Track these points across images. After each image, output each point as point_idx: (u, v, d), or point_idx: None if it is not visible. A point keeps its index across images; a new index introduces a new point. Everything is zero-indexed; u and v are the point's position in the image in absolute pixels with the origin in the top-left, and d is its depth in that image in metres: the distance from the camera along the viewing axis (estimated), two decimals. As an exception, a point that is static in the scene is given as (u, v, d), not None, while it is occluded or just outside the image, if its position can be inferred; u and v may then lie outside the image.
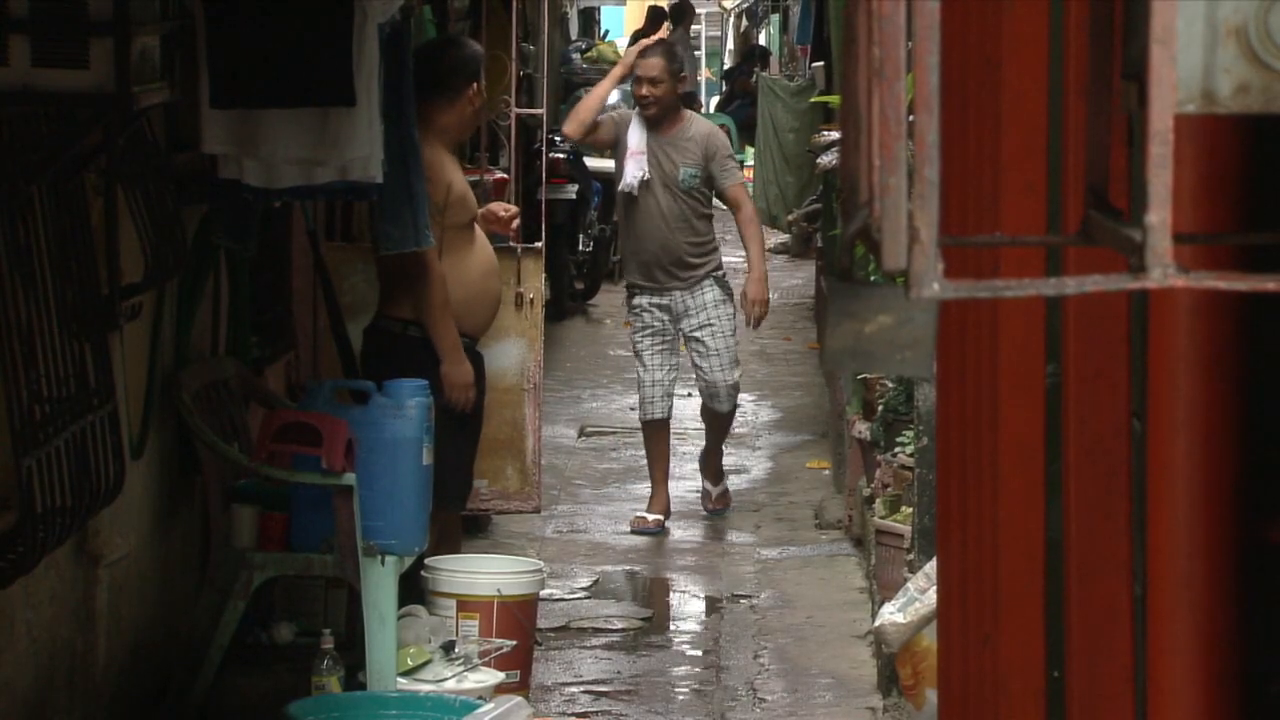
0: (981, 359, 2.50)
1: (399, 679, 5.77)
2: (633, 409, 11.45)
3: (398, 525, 5.81)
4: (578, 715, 6.04)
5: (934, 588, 4.79)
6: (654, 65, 8.36)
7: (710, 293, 8.40)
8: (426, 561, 6.18)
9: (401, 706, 5.67)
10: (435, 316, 6.35)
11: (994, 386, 2.42)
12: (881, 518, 7.03)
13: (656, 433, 8.59)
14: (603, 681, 6.66)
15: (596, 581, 7.88)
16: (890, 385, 7.51)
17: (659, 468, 8.58)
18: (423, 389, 6.01)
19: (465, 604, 6.10)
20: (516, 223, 7.12)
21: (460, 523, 7.06)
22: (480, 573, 6.26)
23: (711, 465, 8.77)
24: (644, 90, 8.36)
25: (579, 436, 10.50)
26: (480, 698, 5.74)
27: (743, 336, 13.55)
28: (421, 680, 5.83)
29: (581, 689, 6.57)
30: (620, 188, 8.46)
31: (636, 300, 8.51)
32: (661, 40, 9.20)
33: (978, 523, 2.54)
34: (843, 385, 8.84)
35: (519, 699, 5.73)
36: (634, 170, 8.39)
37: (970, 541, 2.60)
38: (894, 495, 7.02)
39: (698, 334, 8.42)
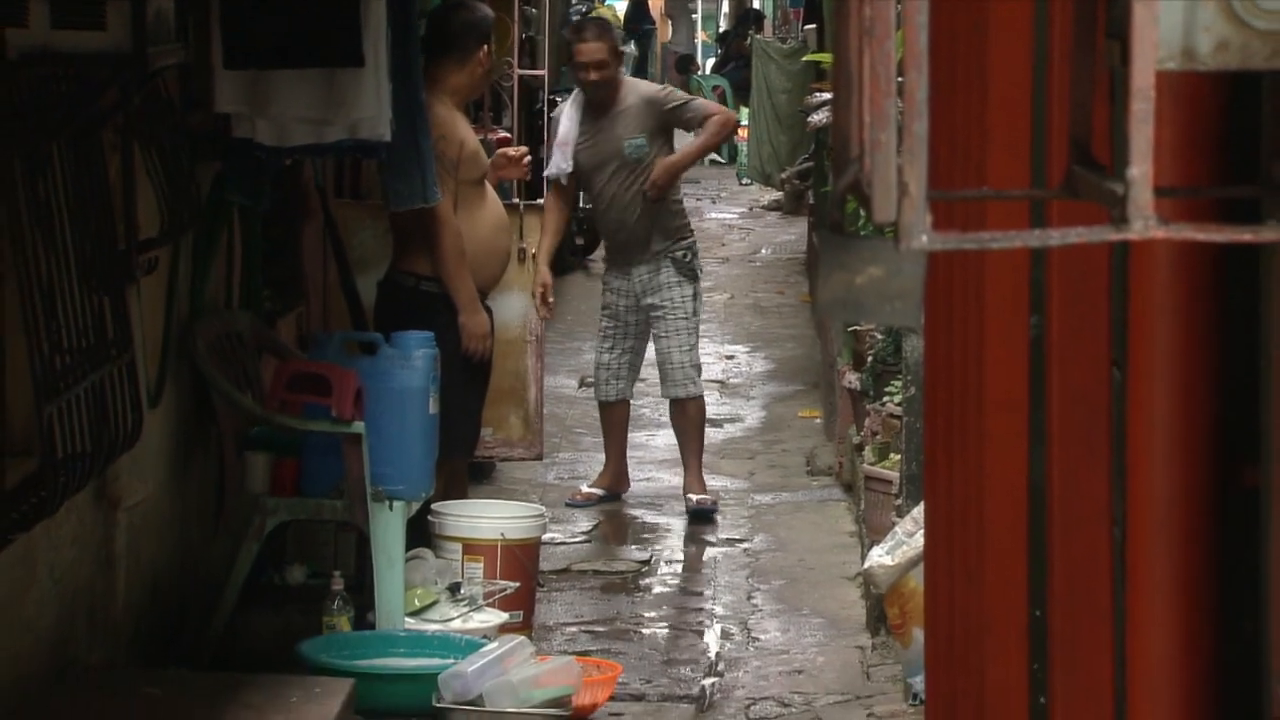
0: (968, 311, 2.50)
1: (407, 619, 5.79)
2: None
3: (405, 471, 5.82)
4: (578, 654, 6.05)
5: (921, 531, 4.80)
6: (596, 49, 7.60)
7: (666, 273, 7.80)
8: (433, 506, 6.19)
9: (409, 645, 5.69)
10: (452, 269, 6.35)
11: (980, 337, 2.41)
12: (870, 464, 7.03)
13: (607, 415, 8.03)
14: (602, 621, 6.67)
15: (596, 526, 7.89)
16: (879, 337, 7.51)
17: (612, 443, 8.03)
18: (429, 340, 6.01)
19: (470, 547, 6.11)
20: (527, 159, 7.07)
21: (467, 469, 7.07)
22: (485, 517, 6.27)
23: (691, 475, 7.96)
24: (591, 76, 7.61)
25: (579, 387, 10.50)
26: (485, 637, 5.75)
27: (738, 291, 13.57)
28: (428, 620, 5.85)
29: (582, 628, 6.58)
30: (545, 174, 7.87)
31: (605, 278, 8.01)
32: (594, 19, 8.34)
33: (963, 469, 2.54)
34: (833, 337, 8.84)
35: (522, 638, 5.75)
36: (558, 162, 7.74)
37: (956, 487, 2.60)
38: (883, 443, 7.02)
39: (654, 313, 7.86)
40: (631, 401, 8.96)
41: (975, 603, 2.45)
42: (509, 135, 8.55)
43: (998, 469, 2.34)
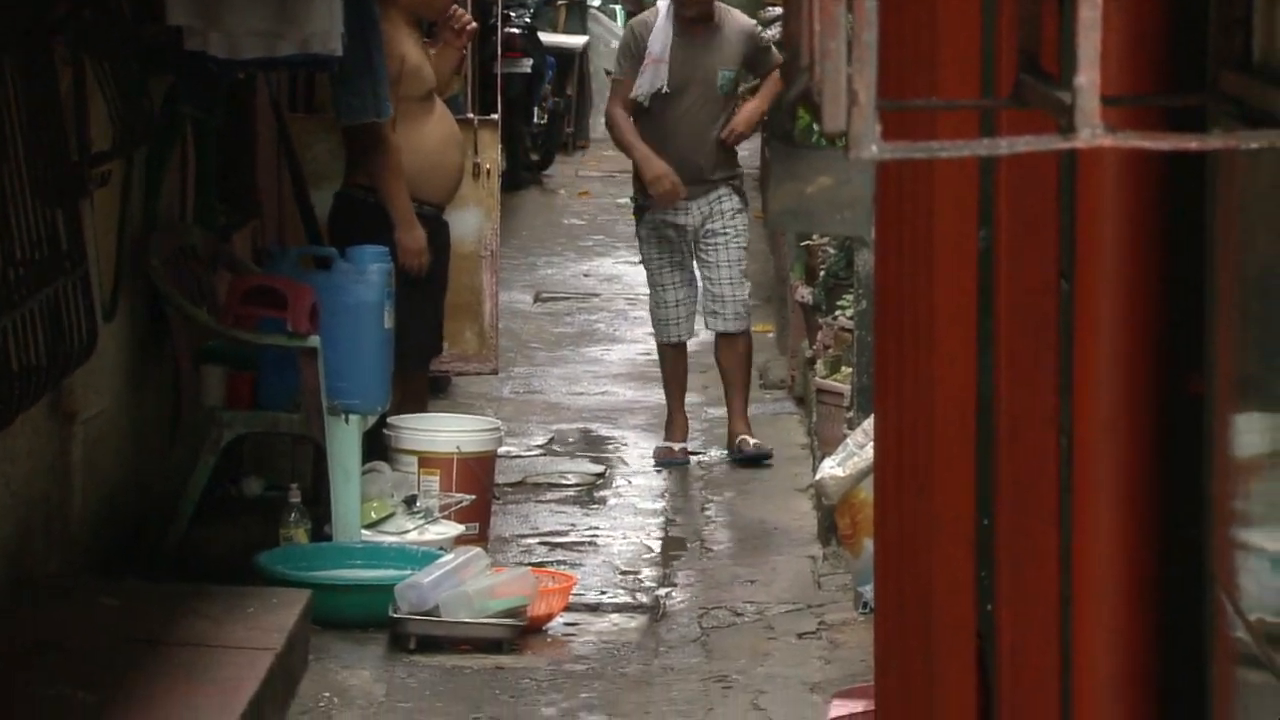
0: (918, 224, 2.50)
1: (363, 531, 5.79)
2: (586, 275, 11.45)
3: (361, 385, 5.81)
4: (534, 565, 6.08)
5: (871, 443, 4.82)
6: None
7: (728, 201, 7.40)
8: (389, 420, 6.18)
9: (366, 557, 5.70)
10: (388, 184, 6.31)
11: (929, 250, 2.41)
12: (823, 377, 7.05)
13: (677, 357, 7.52)
14: (558, 533, 6.70)
15: (551, 439, 7.91)
16: (831, 251, 7.51)
17: (676, 394, 7.52)
18: (383, 255, 5.99)
19: (426, 460, 6.12)
20: (471, 27, 6.90)
21: (427, 383, 7.06)
22: (440, 431, 6.28)
23: (737, 421, 7.46)
24: None
25: (534, 302, 10.50)
26: (441, 548, 5.77)
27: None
28: (385, 532, 5.86)
29: (538, 540, 6.60)
30: (633, 95, 7.30)
31: (649, 217, 7.40)
32: None
33: (913, 380, 2.55)
34: (786, 252, 8.84)
35: (478, 550, 5.77)
36: (651, 80, 7.26)
37: (906, 398, 2.60)
38: (834, 356, 7.05)
39: (709, 241, 7.40)
40: (588, 317, 8.93)
41: (924, 512, 2.46)
42: (463, 54, 8.48)
43: (947, 380, 2.35)
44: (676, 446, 7.54)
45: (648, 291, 7.71)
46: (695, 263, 7.52)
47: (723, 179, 7.44)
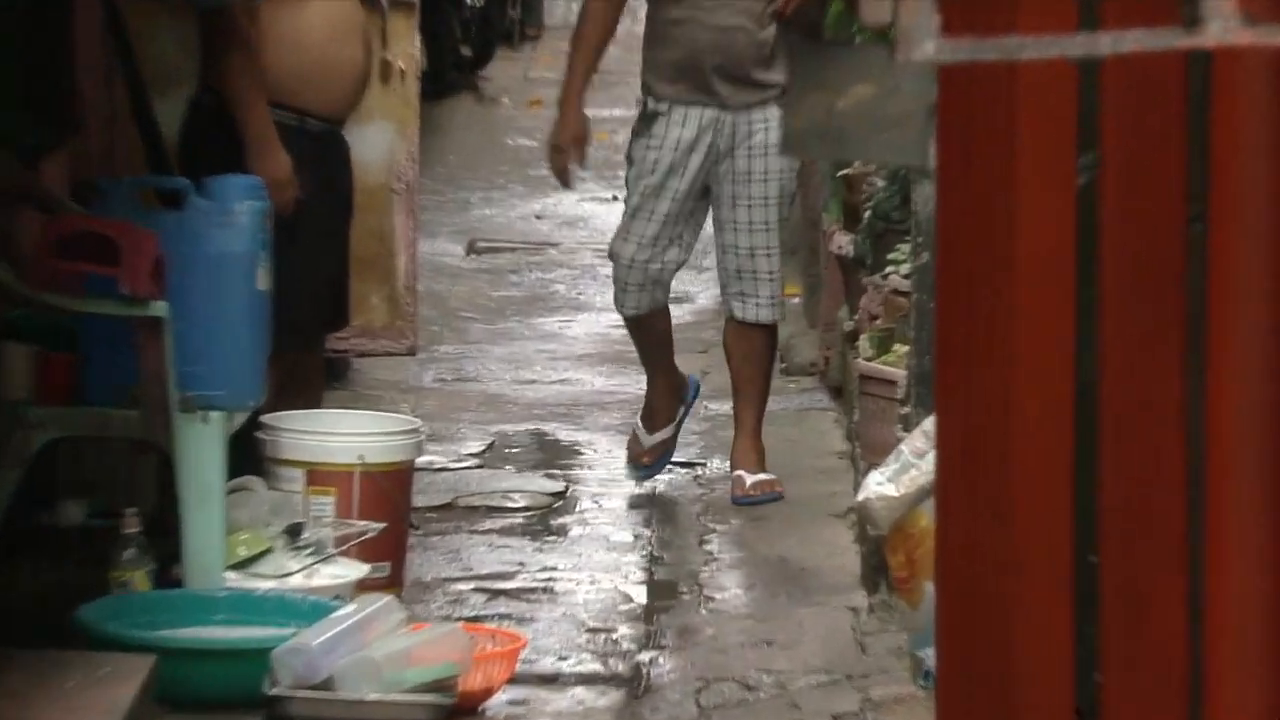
0: (994, 149, 2.53)
1: (228, 573, 5.82)
2: (539, 216, 11.50)
3: (225, 370, 5.84)
4: (467, 620, 6.12)
5: (934, 450, 4.85)
6: None
7: (774, 128, 7.08)
8: (264, 419, 6.21)
9: (231, 609, 5.73)
10: (241, 92, 6.33)
11: (1010, 184, 2.44)
12: (868, 359, 7.09)
13: (637, 328, 7.49)
14: (500, 576, 6.74)
15: (492, 445, 7.95)
16: (879, 184, 7.55)
17: (657, 363, 7.52)
18: (256, 188, 6.01)
19: (317, 475, 6.15)
20: None
21: (323, 366, 7.10)
22: (337, 434, 6.31)
23: (744, 440, 7.39)
24: None
25: (467, 254, 10.54)
26: (338, 597, 5.80)
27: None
28: (259, 575, 5.89)
29: (472, 586, 6.64)
30: None
31: (658, 123, 7.19)
32: None
33: (988, 363, 2.58)
34: (818, 184, 8.88)
35: (389, 598, 5.80)
36: None
37: (979, 388, 2.64)
38: (884, 330, 7.08)
39: (739, 189, 7.22)
40: (542, 275, 8.89)
41: (1004, 546, 2.50)
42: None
43: (1035, 362, 2.38)
44: (656, 438, 7.54)
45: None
46: (710, 215, 7.33)
47: (770, 89, 7.15)
